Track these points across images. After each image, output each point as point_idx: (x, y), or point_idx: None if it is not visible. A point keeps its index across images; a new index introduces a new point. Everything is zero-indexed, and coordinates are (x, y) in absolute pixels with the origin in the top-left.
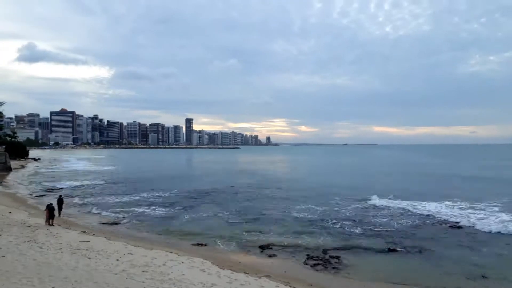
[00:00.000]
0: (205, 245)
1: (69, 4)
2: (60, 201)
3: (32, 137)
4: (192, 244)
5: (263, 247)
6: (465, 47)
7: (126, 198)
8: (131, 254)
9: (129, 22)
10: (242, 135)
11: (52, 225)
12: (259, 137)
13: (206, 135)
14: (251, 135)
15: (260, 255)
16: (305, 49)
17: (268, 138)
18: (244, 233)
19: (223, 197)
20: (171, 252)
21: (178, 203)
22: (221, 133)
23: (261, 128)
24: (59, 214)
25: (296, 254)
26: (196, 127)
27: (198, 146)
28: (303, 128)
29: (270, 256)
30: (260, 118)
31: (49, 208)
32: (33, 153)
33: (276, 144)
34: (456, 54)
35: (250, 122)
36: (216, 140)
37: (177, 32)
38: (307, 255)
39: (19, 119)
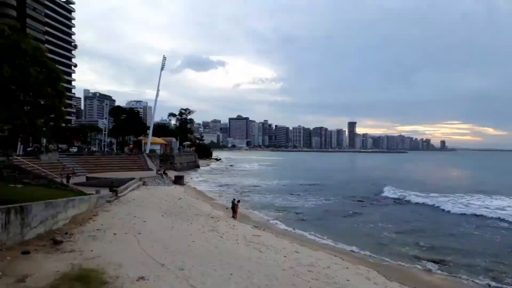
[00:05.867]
0: (370, 255)
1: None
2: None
3: (214, 140)
4: (355, 251)
5: (436, 261)
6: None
7: (293, 198)
8: (297, 252)
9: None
10: (411, 139)
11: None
12: (432, 141)
13: (370, 139)
14: (422, 139)
15: (433, 273)
16: None
17: (443, 142)
18: (416, 245)
19: (392, 208)
20: (335, 256)
21: (343, 208)
22: (387, 136)
23: (433, 131)
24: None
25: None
26: (359, 130)
27: (361, 150)
28: (490, 131)
29: (442, 272)
30: (433, 120)
31: (234, 204)
32: (215, 154)
33: (453, 149)
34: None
35: (421, 125)
36: (381, 144)
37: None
38: None
39: (205, 125)
